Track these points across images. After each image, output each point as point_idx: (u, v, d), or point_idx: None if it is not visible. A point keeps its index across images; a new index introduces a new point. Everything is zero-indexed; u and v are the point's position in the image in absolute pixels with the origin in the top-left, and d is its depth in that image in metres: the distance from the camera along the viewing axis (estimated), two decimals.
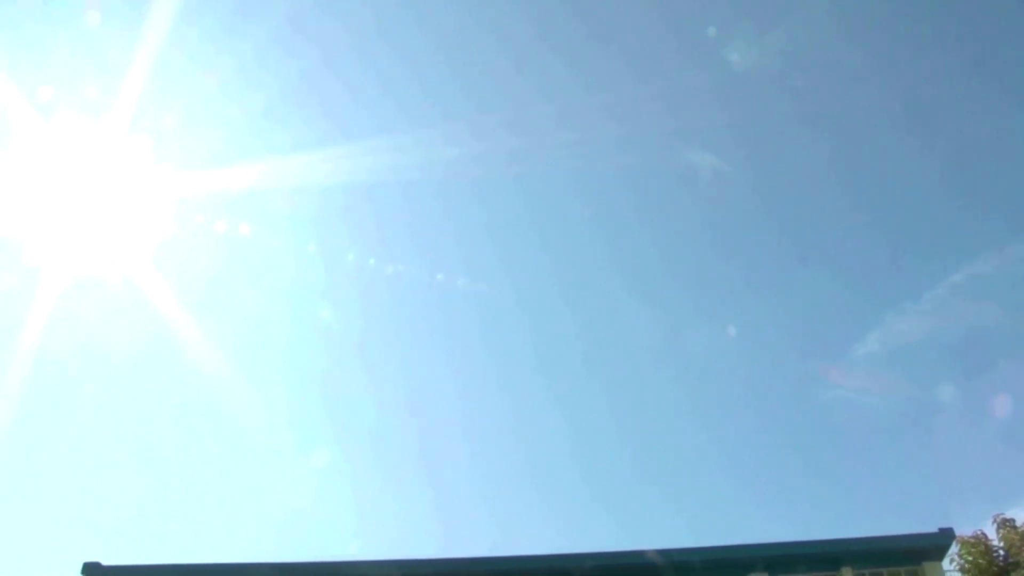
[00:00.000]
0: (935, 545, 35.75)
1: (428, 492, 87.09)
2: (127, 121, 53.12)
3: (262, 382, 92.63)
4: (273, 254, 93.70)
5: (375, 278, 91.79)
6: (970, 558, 16.70)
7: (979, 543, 16.80)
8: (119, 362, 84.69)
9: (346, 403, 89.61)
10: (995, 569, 16.51)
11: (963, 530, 17.46)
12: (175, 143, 70.70)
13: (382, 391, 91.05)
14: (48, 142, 48.47)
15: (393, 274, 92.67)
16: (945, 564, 31.60)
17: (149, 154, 63.97)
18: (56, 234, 53.81)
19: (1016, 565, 15.91)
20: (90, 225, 57.45)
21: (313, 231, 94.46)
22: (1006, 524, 16.79)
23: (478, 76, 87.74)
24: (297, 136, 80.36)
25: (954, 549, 17.43)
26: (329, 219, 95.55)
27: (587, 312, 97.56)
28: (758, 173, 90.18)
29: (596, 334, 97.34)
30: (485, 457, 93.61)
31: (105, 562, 36.43)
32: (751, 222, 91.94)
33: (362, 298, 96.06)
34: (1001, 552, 16.64)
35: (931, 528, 36.42)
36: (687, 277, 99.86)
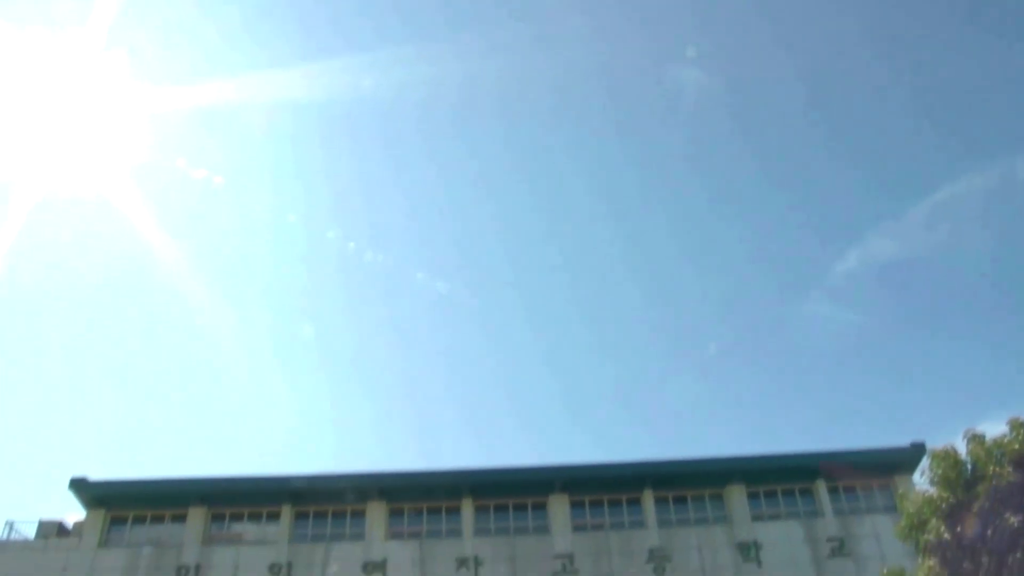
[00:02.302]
0: (907, 459, 36.74)
1: (407, 408, 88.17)
2: (103, 36, 51.70)
3: (241, 300, 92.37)
4: (250, 172, 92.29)
5: (354, 195, 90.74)
6: (939, 471, 17.06)
7: (949, 456, 17.16)
8: (94, 280, 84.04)
9: (327, 321, 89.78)
10: (962, 481, 16.88)
11: (936, 445, 17.81)
12: (152, 59, 69.00)
13: (363, 311, 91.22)
14: (21, 56, 47.15)
15: (372, 193, 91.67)
16: (916, 477, 32.46)
17: (125, 70, 62.48)
18: (29, 150, 52.79)
19: (982, 478, 16.27)
20: (65, 141, 56.40)
21: (290, 149, 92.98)
22: (976, 439, 17.13)
23: None
24: (275, 52, 78.50)
25: (925, 463, 17.79)
26: (306, 137, 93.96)
27: (565, 232, 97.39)
28: (741, 93, 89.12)
29: (574, 254, 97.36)
30: (464, 373, 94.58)
31: (92, 477, 36.99)
32: (733, 140, 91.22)
33: (342, 217, 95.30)
34: (969, 466, 17.00)
35: (904, 443, 37.37)
36: (667, 195, 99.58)
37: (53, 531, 37.28)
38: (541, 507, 38.21)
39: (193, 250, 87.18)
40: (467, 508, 37.66)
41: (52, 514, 38.50)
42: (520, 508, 38.30)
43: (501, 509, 38.22)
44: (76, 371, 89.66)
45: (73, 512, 41.97)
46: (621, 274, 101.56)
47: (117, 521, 37.46)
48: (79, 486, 36.84)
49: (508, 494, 38.26)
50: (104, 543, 36.62)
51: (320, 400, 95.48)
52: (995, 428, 16.98)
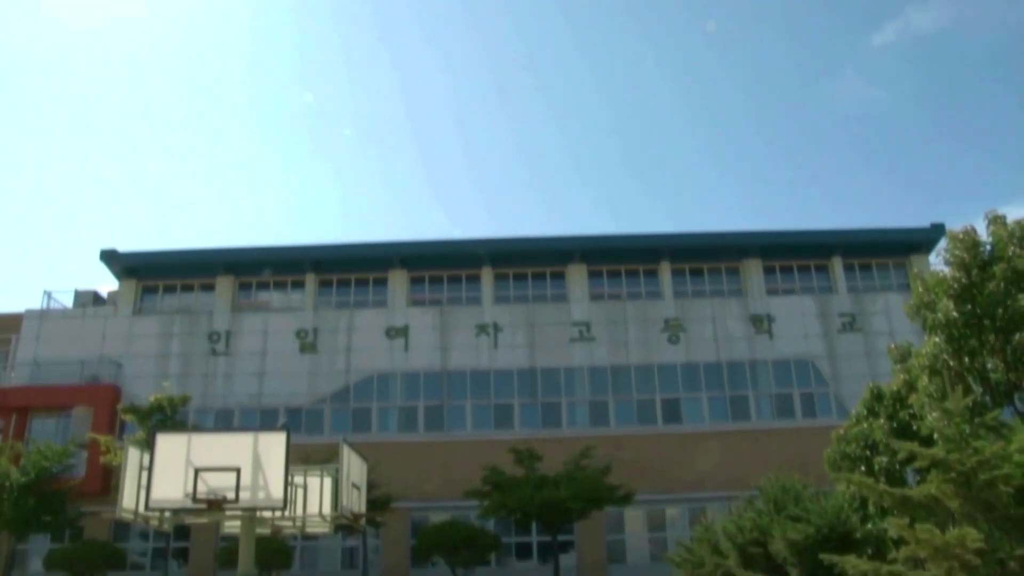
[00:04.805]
0: (925, 239, 36.71)
1: (426, 178, 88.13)
2: None
3: (236, 73, 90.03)
4: None
5: None
6: (956, 251, 16.87)
7: (968, 237, 16.89)
8: (89, 46, 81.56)
9: (328, 87, 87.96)
10: (979, 262, 16.72)
11: (956, 227, 17.58)
12: None
13: (366, 75, 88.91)
14: None
15: None
16: (932, 258, 32.50)
17: None
18: None
19: (999, 259, 16.09)
20: None
21: None
22: (997, 220, 16.81)
23: None
24: None
25: (943, 244, 17.65)
26: None
27: (581, 9, 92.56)
28: None
29: (592, 32, 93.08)
30: (479, 142, 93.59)
31: (121, 249, 37.81)
32: None
33: None
34: (988, 247, 16.78)
35: (924, 224, 37.19)
36: None
37: (89, 300, 38.60)
38: (559, 276, 38.86)
39: (180, 26, 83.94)
40: (487, 276, 38.40)
41: (86, 285, 39.74)
42: (539, 277, 39.00)
43: (520, 278, 38.95)
44: (87, 142, 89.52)
45: (106, 283, 43.44)
46: (639, 48, 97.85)
47: (148, 291, 38.67)
48: (110, 257, 37.71)
49: (527, 263, 38.84)
50: (138, 311, 38.05)
51: (341, 171, 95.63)
52: (1020, 212, 16.80)
